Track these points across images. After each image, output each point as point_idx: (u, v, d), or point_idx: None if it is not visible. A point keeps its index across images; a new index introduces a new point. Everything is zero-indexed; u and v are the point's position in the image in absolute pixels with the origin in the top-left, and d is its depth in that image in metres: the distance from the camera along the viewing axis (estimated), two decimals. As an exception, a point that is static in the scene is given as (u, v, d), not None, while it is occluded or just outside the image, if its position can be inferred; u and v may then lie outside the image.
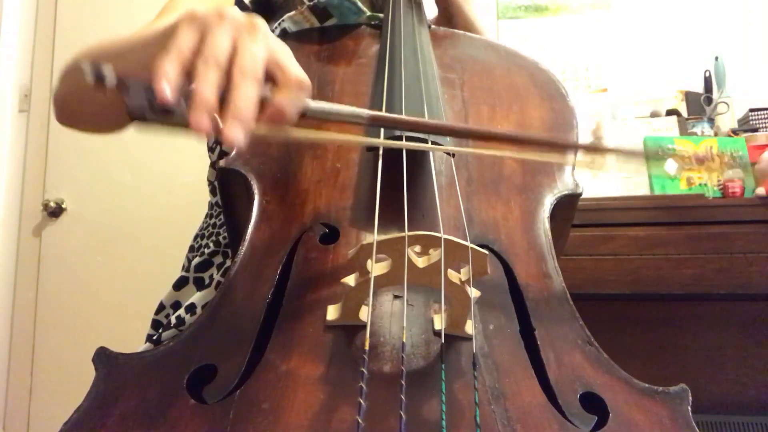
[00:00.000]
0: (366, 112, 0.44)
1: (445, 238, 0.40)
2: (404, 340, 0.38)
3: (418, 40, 0.70)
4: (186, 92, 0.38)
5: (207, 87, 0.38)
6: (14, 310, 2.03)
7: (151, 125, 0.40)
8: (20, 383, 1.98)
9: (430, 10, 0.84)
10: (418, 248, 0.42)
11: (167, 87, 0.37)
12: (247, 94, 0.38)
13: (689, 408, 0.42)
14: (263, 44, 0.41)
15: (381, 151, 0.53)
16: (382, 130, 0.53)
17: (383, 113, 0.45)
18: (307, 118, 0.43)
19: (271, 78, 0.41)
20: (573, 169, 0.60)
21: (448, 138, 0.55)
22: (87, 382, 0.40)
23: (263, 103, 0.40)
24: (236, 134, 0.38)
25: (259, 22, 0.43)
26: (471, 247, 0.41)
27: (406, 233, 0.40)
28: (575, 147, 0.53)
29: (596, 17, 1.97)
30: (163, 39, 0.42)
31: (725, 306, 1.36)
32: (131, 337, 0.88)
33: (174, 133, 0.41)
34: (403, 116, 0.45)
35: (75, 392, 0.39)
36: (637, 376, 0.45)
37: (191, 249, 0.86)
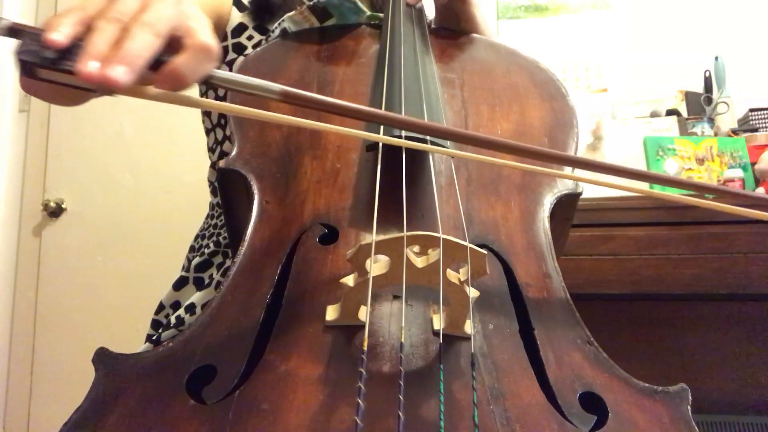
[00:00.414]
0: (277, 86, 0.40)
1: (443, 238, 0.40)
2: (402, 341, 0.38)
3: (418, 39, 0.70)
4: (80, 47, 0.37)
5: (99, 37, 0.36)
6: (14, 310, 2.03)
7: (43, 80, 0.38)
8: (20, 383, 1.98)
9: (430, 9, 0.84)
10: (416, 248, 0.42)
11: (57, 33, 0.36)
12: (138, 42, 0.36)
13: (689, 408, 0.42)
14: (173, 6, 0.40)
15: (380, 152, 0.53)
16: (382, 127, 0.53)
17: (296, 90, 0.41)
18: (213, 85, 0.41)
19: (178, 43, 0.40)
20: (572, 169, 0.60)
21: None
22: (87, 382, 0.40)
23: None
24: (116, 73, 0.35)
25: None
26: (470, 247, 0.41)
27: (405, 233, 0.40)
28: (574, 163, 0.53)
29: (596, 17, 1.97)
30: None
31: (725, 306, 1.36)
32: (131, 337, 0.88)
33: (73, 91, 0.39)
34: (319, 96, 0.41)
35: (75, 392, 0.39)
36: (637, 376, 0.45)
37: (191, 249, 0.86)
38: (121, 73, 0.35)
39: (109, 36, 0.37)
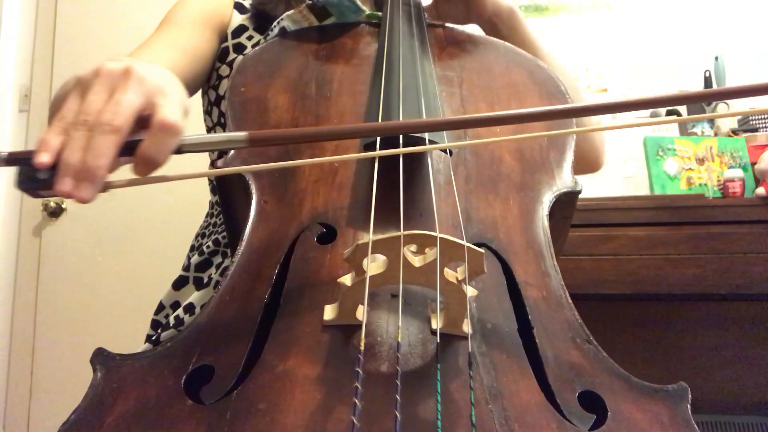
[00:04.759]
0: (242, 134, 0.42)
1: (440, 237, 0.40)
2: (400, 340, 0.38)
3: (417, 38, 0.70)
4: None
5: (68, 151, 0.38)
6: (14, 310, 2.03)
7: (48, 196, 0.41)
8: (20, 383, 1.98)
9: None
10: (414, 247, 0.42)
11: (45, 155, 0.38)
12: (96, 151, 0.38)
13: (688, 406, 0.42)
14: (135, 90, 0.40)
15: (377, 151, 0.52)
16: (378, 138, 0.53)
17: (262, 132, 0.43)
18: (184, 152, 0.43)
19: (147, 120, 0.41)
20: (572, 166, 0.60)
21: (444, 135, 0.55)
22: (87, 383, 0.40)
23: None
24: (81, 193, 0.38)
25: (135, 66, 0.41)
26: (467, 246, 0.41)
27: (402, 232, 0.40)
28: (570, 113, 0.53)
29: (596, 17, 1.97)
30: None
31: (725, 306, 1.37)
32: (131, 337, 0.88)
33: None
34: (286, 131, 0.43)
35: (75, 392, 0.39)
36: (637, 376, 0.44)
37: (192, 248, 0.86)
38: (85, 192, 0.38)
39: (77, 146, 0.38)
